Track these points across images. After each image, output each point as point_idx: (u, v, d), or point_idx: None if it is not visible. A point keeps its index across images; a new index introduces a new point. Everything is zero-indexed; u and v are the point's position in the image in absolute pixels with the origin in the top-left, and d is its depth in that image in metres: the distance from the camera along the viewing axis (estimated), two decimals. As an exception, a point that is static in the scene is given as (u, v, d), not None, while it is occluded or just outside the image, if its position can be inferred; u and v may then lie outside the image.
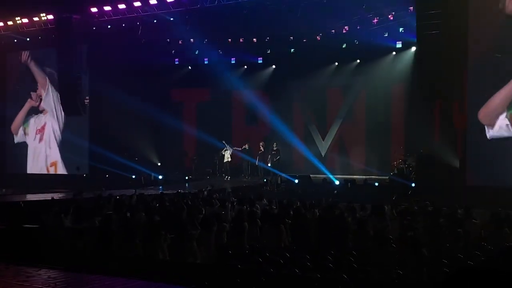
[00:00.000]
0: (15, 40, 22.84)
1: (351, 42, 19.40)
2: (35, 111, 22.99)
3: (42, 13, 21.33)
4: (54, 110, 22.35)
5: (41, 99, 22.73)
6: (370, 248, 7.00)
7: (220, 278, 5.92)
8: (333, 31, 19.27)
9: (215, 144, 21.73)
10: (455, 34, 14.54)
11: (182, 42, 21.29)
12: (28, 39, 22.56)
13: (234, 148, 21.28)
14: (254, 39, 20.62)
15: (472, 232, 8.11)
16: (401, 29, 18.35)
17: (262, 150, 21.00)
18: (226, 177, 20.95)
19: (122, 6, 19.80)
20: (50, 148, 22.57)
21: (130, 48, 20.80)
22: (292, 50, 20.80)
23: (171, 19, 19.88)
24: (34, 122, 22.99)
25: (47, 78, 22.53)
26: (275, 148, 20.67)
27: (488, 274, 3.02)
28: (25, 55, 23.07)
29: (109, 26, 20.91)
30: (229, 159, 21.30)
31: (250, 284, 5.79)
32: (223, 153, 21.36)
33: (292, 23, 18.94)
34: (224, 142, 21.24)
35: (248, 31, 20.09)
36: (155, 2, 19.17)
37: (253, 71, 21.88)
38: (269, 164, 20.67)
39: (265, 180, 18.73)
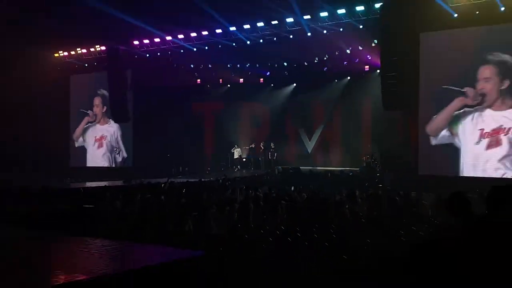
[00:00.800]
0: (76, 66, 22.87)
1: (331, 66, 19.43)
2: (92, 122, 22.96)
3: (97, 45, 21.45)
4: (106, 120, 22.29)
5: (95, 114, 22.66)
6: (346, 223, 6.99)
7: (231, 246, 5.91)
8: (317, 58, 19.28)
9: (227, 144, 21.86)
10: (410, 62, 14.53)
11: (202, 66, 21.32)
12: (86, 65, 22.59)
13: (244, 147, 21.47)
14: (257, 64, 20.65)
15: (423, 211, 8.09)
16: (368, 56, 18.37)
17: (262, 148, 21.07)
18: (236, 169, 20.96)
19: (157, 39, 19.91)
20: (104, 147, 22.51)
21: (163, 71, 20.87)
22: (286, 73, 20.81)
23: (194, 49, 19.88)
24: (92, 132, 22.91)
25: (100, 96, 22.45)
26: (272, 147, 20.74)
27: None
28: (84, 77, 23.03)
29: (147, 55, 20.92)
30: (239, 155, 21.46)
31: (254, 251, 5.78)
32: (233, 151, 21.49)
33: (286, 53, 18.98)
34: (235, 145, 21.49)
35: (252, 58, 20.10)
36: (182, 36, 19.25)
37: (256, 88, 21.88)
38: (268, 159, 20.76)
39: (266, 171, 18.76)
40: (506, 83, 13.47)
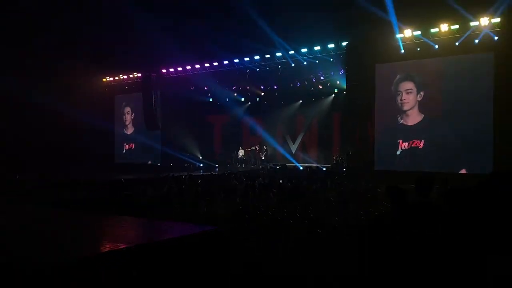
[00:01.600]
0: (119, 88, 22.85)
1: (309, 88, 19.47)
2: (129, 131, 22.87)
3: (134, 72, 21.44)
4: (139, 128, 22.24)
5: (132, 126, 22.63)
6: (320, 205, 7.01)
7: (235, 223, 5.92)
8: (298, 84, 19.33)
9: (231, 147, 21.85)
10: (367, 85, 14.59)
11: (214, 88, 21.32)
12: (126, 87, 22.57)
13: (246, 149, 21.48)
14: (254, 87, 20.66)
15: (378, 197, 8.10)
16: (337, 81, 18.41)
17: (257, 149, 21.09)
18: (239, 165, 20.94)
19: (179, 68, 19.89)
20: (139, 150, 22.45)
21: (184, 91, 20.80)
22: (276, 94, 20.83)
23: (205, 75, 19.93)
24: (129, 139, 22.86)
25: (133, 112, 22.37)
26: (265, 148, 20.76)
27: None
28: (124, 97, 22.98)
29: (173, 79, 20.87)
30: (241, 155, 21.44)
31: (252, 226, 5.79)
32: (237, 152, 21.47)
33: (275, 78, 19.02)
34: (240, 147, 21.47)
35: (251, 81, 20.09)
36: (198, 66, 19.28)
37: (254, 105, 21.89)
38: (262, 158, 20.73)
39: (261, 166, 18.74)
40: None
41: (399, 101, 14.18)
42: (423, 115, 13.85)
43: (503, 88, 12.00)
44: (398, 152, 14.14)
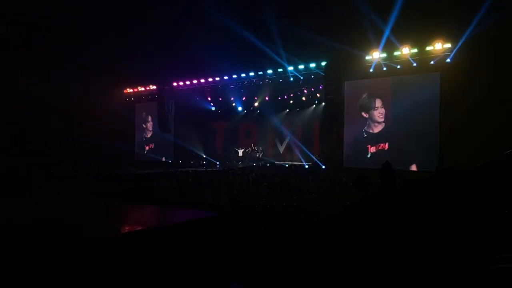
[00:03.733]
0: (136, 98, 22.63)
1: (295, 100, 19.48)
2: (148, 134, 22.64)
3: (150, 85, 21.27)
4: (155, 131, 22.07)
5: (149, 130, 22.36)
6: (303, 195, 7.03)
7: (232, 211, 5.92)
8: (286, 96, 19.34)
9: (230, 147, 21.78)
10: (339, 98, 14.66)
11: (216, 99, 21.24)
12: (143, 97, 22.34)
13: (245, 149, 21.42)
14: (248, 98, 20.65)
15: (346, 189, 8.14)
16: (318, 94, 18.47)
17: (255, 150, 21.06)
18: (236, 162, 20.90)
19: (187, 82, 19.77)
20: (156, 150, 22.23)
21: (192, 101, 20.69)
22: (267, 104, 20.81)
23: (209, 88, 19.83)
24: (147, 141, 22.55)
25: (150, 118, 22.17)
26: (261, 149, 20.75)
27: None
28: (142, 106, 22.72)
29: (182, 91, 20.75)
30: (241, 155, 21.37)
31: (247, 216, 5.79)
32: (236, 151, 21.40)
33: (267, 91, 19.03)
34: (239, 148, 21.38)
35: (245, 94, 20.05)
36: (203, 80, 19.21)
37: (249, 113, 21.86)
38: (257, 156, 20.70)
39: (254, 164, 18.72)
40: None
41: (375, 114, 14.16)
42: (384, 124, 14.00)
43: (448, 99, 12.25)
44: (368, 156, 14.25)
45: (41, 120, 17.27)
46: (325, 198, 6.59)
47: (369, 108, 14.21)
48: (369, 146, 14.22)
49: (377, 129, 14.14)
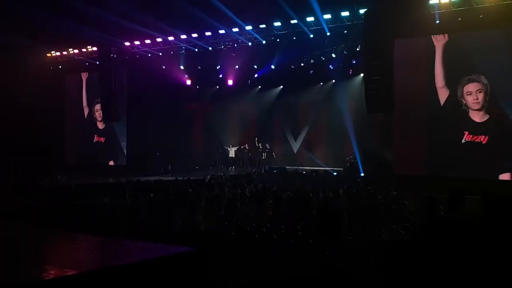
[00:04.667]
0: (66, 66, 22.63)
1: (317, 69, 19.50)
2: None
3: (88, 46, 21.23)
4: (96, 120, 22.13)
5: (87, 117, 22.50)
6: (329, 220, 6.99)
7: (219, 242, 5.90)
8: (302, 63, 19.34)
9: (216, 143, 21.87)
10: (390, 66, 14.59)
11: (194, 68, 21.23)
12: (80, 65, 22.35)
13: (240, 147, 21.55)
14: (244, 66, 20.64)
15: (403, 210, 8.10)
16: (353, 61, 18.46)
17: (258, 146, 21.18)
18: (231, 167, 20.97)
19: (148, 41, 19.74)
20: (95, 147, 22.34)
21: (155, 72, 20.69)
22: (273, 75, 20.81)
23: (183, 51, 19.82)
24: (84, 135, 22.85)
25: (85, 96, 22.41)
26: (267, 146, 20.86)
27: None
28: (75, 79, 22.82)
29: (137, 56, 20.77)
30: (232, 155, 21.50)
31: (241, 247, 5.78)
32: (229, 149, 21.52)
33: (273, 55, 19.02)
34: (230, 145, 21.43)
35: (241, 59, 20.04)
36: (172, 38, 19.16)
37: (245, 89, 21.90)
38: (263, 158, 20.86)
39: (254, 170, 18.79)
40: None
41: (470, 101, 14.10)
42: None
43: None
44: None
45: None
46: (364, 224, 6.56)
47: (473, 96, 14.02)
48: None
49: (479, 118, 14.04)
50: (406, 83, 14.76)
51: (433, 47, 14.53)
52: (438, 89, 14.38)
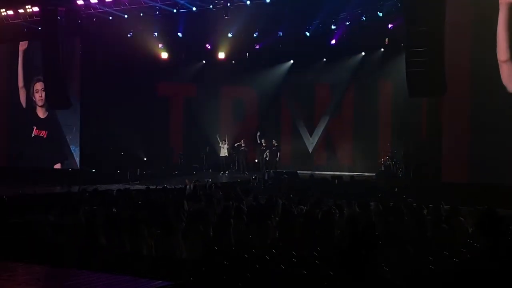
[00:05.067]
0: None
1: (340, 38, 19.44)
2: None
3: (28, 5, 21.13)
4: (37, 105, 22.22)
5: (25, 103, 22.57)
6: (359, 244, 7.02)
7: (205, 274, 5.93)
8: (320, 28, 19.30)
9: (201, 139, 21.81)
10: (438, 32, 14.56)
11: (170, 35, 21.18)
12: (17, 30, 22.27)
13: (235, 144, 21.40)
14: (240, 34, 20.60)
15: (458, 230, 8.11)
16: (389, 25, 18.37)
17: (261, 143, 21.04)
18: (222, 172, 20.94)
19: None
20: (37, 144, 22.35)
21: (119, 41, 20.64)
22: (280, 45, 20.82)
23: (157, 13, 19.76)
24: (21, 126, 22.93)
25: (22, 74, 22.44)
26: (274, 143, 20.70)
27: None
28: (9, 51, 22.84)
29: (94, 19, 20.70)
30: (225, 154, 21.31)
31: (236, 281, 5.80)
32: (220, 146, 21.32)
33: (280, 18, 18.96)
34: (222, 141, 21.22)
35: (235, 25, 19.99)
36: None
37: (240, 66, 21.86)
38: (266, 159, 20.75)
39: (253, 177, 18.74)
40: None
41: None
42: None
43: None
44: None
45: None
46: (406, 250, 6.59)
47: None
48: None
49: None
50: (457, 57, 14.73)
51: (496, 7, 14.50)
52: (500, 63, 14.32)
